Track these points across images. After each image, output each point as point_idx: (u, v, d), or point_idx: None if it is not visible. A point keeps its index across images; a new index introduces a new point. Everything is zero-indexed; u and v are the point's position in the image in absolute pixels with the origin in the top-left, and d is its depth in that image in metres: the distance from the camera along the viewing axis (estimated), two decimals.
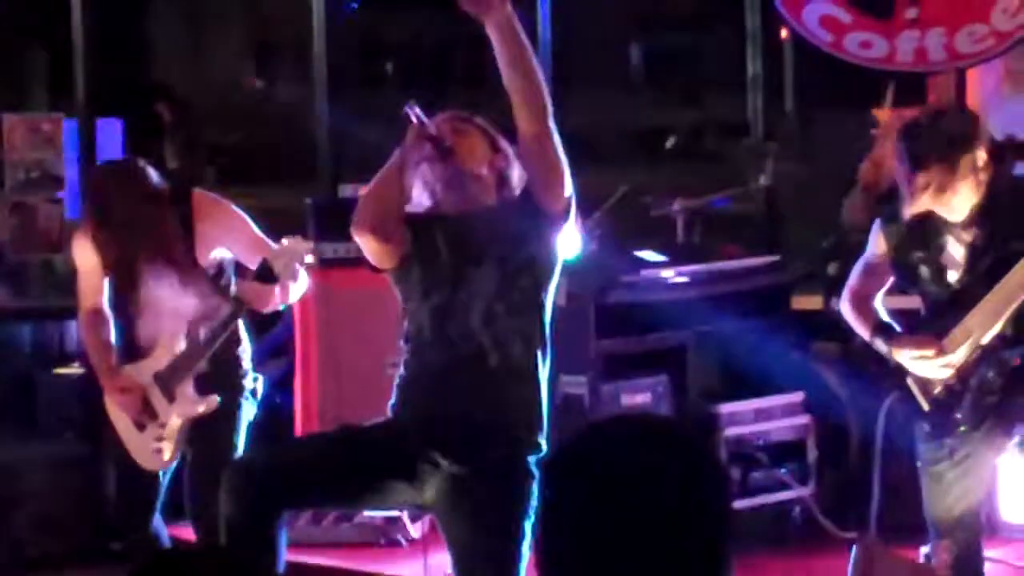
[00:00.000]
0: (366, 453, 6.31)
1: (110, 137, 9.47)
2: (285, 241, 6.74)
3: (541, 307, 6.15)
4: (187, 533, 7.26)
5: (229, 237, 6.87)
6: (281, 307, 7.03)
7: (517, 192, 6.16)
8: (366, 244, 6.17)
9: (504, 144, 6.22)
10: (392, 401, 6.32)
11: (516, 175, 6.17)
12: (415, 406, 6.25)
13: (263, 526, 6.21)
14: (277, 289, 6.74)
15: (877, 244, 6.79)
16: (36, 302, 9.13)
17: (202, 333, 6.83)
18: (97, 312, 6.97)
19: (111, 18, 10.64)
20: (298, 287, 6.90)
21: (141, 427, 6.89)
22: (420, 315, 6.27)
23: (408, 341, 6.28)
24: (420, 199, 6.20)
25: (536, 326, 6.18)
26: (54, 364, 9.62)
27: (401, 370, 6.30)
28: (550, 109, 5.97)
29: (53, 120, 9.46)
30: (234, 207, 7.01)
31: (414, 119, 6.02)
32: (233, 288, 6.81)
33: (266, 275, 6.70)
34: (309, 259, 6.83)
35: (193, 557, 2.69)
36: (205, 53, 16.07)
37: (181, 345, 6.81)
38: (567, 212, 6.07)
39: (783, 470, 8.51)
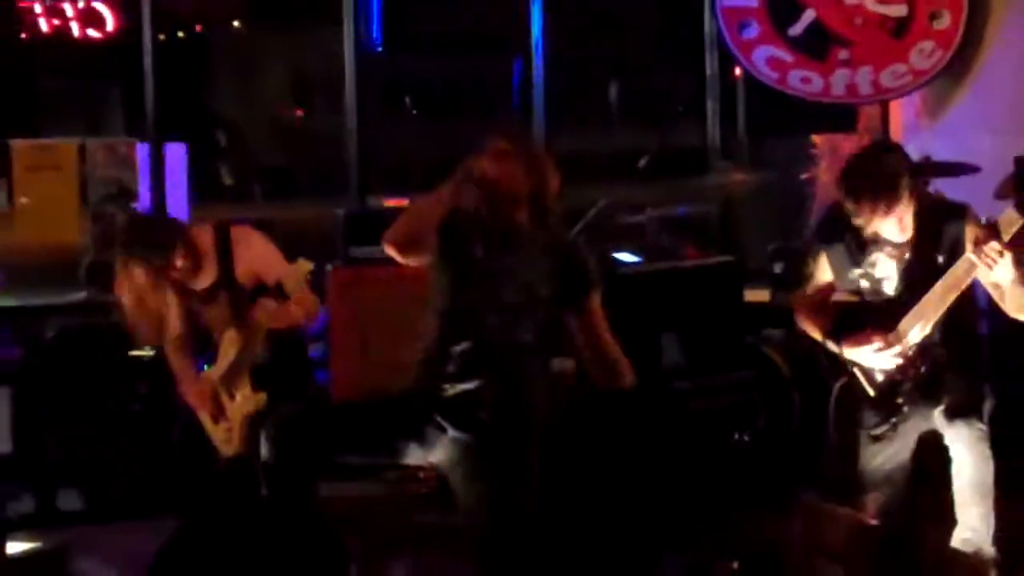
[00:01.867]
0: (384, 417, 6.35)
1: (176, 158, 9.46)
2: (295, 265, 6.78)
3: (551, 307, 6.17)
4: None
5: (258, 257, 6.88)
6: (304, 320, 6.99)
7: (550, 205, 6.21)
8: (391, 254, 6.20)
9: (540, 164, 6.23)
10: (414, 374, 6.28)
11: (553, 188, 6.20)
12: (430, 378, 6.27)
13: (296, 470, 6.26)
14: (292, 307, 6.76)
15: (821, 267, 6.80)
16: (113, 296, 9.11)
17: (239, 343, 6.87)
18: (181, 336, 7.03)
19: (175, 59, 10.63)
20: (309, 308, 6.92)
21: (214, 418, 6.92)
22: (447, 306, 6.28)
23: (437, 325, 6.25)
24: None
25: (546, 322, 6.20)
26: (128, 347, 9.63)
27: (425, 347, 6.29)
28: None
29: (128, 144, 9.47)
30: (261, 236, 7.04)
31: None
32: (259, 308, 6.81)
33: (280, 292, 6.74)
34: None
35: None
36: (253, 88, 16.03)
37: (231, 355, 6.84)
38: None
39: (736, 437, 8.51)
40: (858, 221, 6.46)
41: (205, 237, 6.87)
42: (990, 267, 6.28)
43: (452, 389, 6.13)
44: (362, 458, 8.01)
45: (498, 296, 6.21)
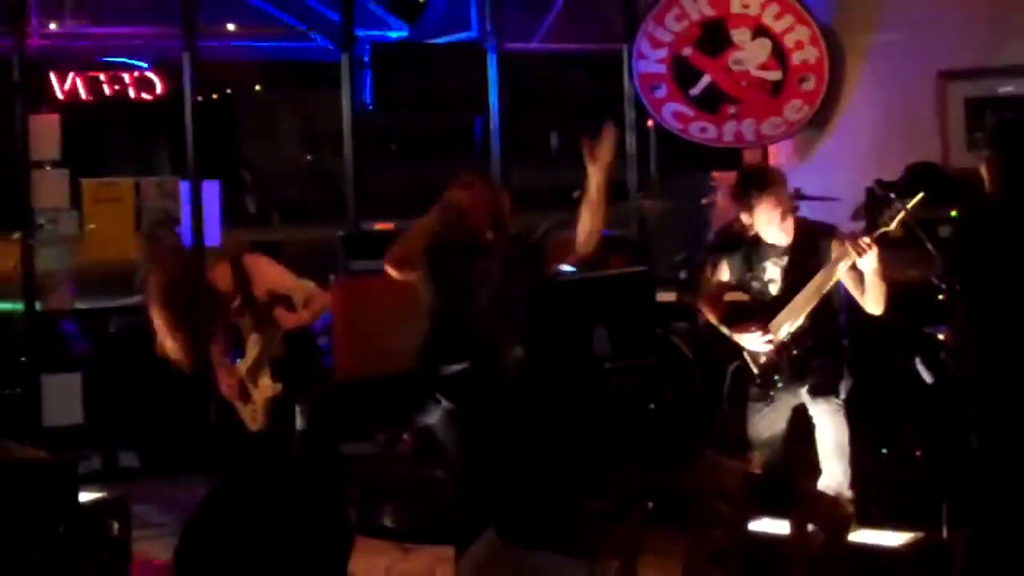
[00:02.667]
0: (396, 393, 6.48)
1: (211, 193, 9.43)
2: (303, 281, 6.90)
3: (518, 303, 6.34)
4: None
5: (268, 275, 6.87)
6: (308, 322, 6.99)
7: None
8: (391, 273, 6.32)
9: (498, 193, 6.51)
10: (415, 359, 6.42)
11: (506, 212, 6.42)
12: (428, 363, 6.31)
13: (330, 435, 6.39)
14: (302, 313, 6.83)
15: (721, 270, 6.85)
16: None
17: (259, 344, 6.86)
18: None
19: (210, 115, 10.61)
20: (318, 308, 6.95)
21: (243, 402, 6.91)
22: (437, 308, 6.40)
23: (430, 323, 6.42)
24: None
25: (513, 317, 6.28)
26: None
27: (422, 340, 6.42)
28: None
29: (173, 182, 9.42)
30: (268, 259, 7.06)
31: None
32: (276, 315, 6.83)
33: (289, 304, 6.78)
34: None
35: None
36: (271, 138, 16.01)
37: (255, 353, 6.84)
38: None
39: (650, 406, 8.52)
40: (749, 223, 6.54)
41: (224, 270, 6.88)
42: (860, 255, 6.33)
43: (445, 370, 6.28)
44: (377, 425, 8.09)
45: (475, 298, 6.33)
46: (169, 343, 6.61)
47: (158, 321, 6.61)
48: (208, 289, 6.77)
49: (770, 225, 6.56)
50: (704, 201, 9.67)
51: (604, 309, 8.77)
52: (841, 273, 6.49)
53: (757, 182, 6.65)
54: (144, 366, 9.32)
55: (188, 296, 6.62)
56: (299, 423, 6.43)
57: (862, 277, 6.50)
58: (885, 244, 7.30)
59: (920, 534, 5.86)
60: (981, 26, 8.81)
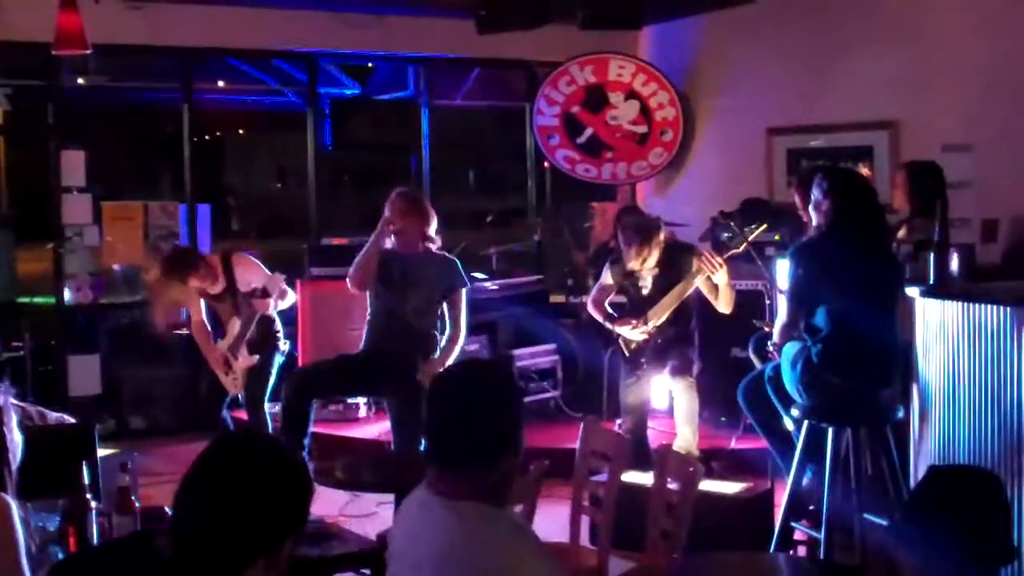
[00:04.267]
0: (351, 368, 6.41)
1: (203, 213, 9.33)
2: (272, 277, 6.79)
3: (440, 304, 6.36)
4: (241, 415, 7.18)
5: (249, 273, 6.81)
6: (280, 307, 6.90)
7: (437, 243, 6.43)
8: (353, 290, 6.39)
9: (429, 214, 6.43)
10: (362, 343, 6.45)
11: (433, 231, 6.41)
12: (372, 345, 6.28)
13: (303, 404, 6.31)
14: (271, 300, 6.73)
15: (606, 276, 6.90)
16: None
17: (239, 325, 6.77)
18: (201, 321, 6.94)
19: (204, 152, 10.49)
20: (290, 297, 6.92)
21: (225, 373, 6.82)
22: (378, 305, 6.34)
23: (370, 316, 6.41)
24: (389, 244, 6.37)
25: (437, 313, 6.27)
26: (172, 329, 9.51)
27: (366, 329, 6.41)
28: None
29: (173, 204, 9.32)
30: (251, 257, 6.98)
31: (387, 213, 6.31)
32: (253, 302, 6.75)
33: (264, 293, 6.69)
34: (282, 284, 6.82)
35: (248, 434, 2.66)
36: (251, 171, 15.86)
37: (235, 331, 6.76)
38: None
39: (545, 383, 8.53)
40: (627, 262, 6.58)
41: (216, 262, 6.82)
42: (714, 272, 6.42)
43: (389, 352, 6.27)
44: (341, 396, 8.04)
45: (409, 299, 6.29)
46: (159, 312, 7.00)
47: (154, 296, 6.94)
48: (186, 280, 6.72)
49: (640, 264, 6.67)
50: (586, 225, 9.71)
51: (509, 308, 8.80)
52: (699, 282, 6.55)
53: (641, 234, 6.68)
54: (149, 349, 9.25)
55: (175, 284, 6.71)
56: (283, 394, 6.37)
57: (715, 285, 6.57)
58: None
59: (750, 484, 5.91)
60: (798, 94, 8.92)
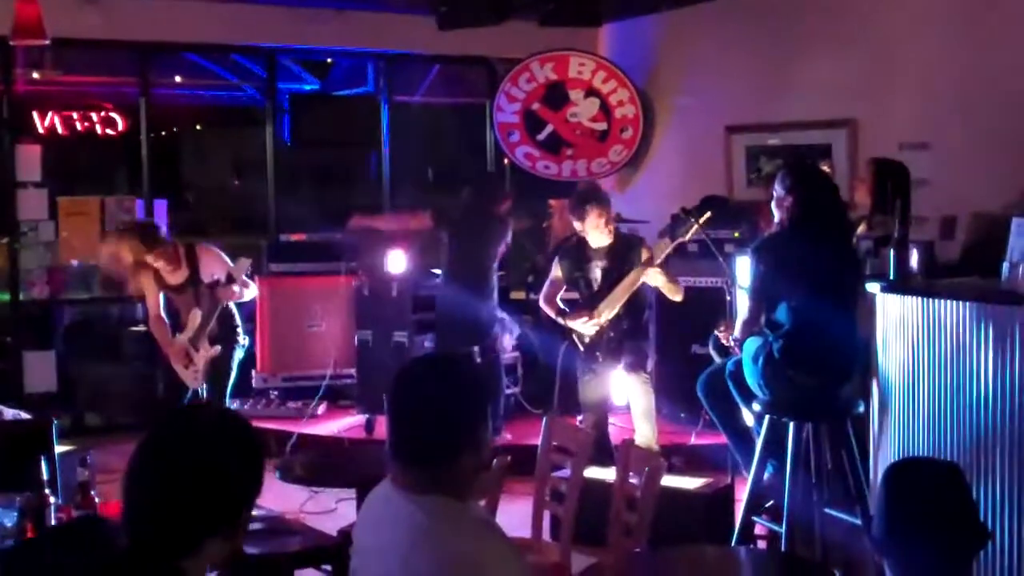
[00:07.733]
0: None
1: (160, 209, 9.27)
2: (238, 261, 6.74)
3: None
4: None
5: (214, 264, 6.75)
6: (244, 299, 6.88)
7: None
8: None
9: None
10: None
11: None
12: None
13: None
14: (235, 288, 6.66)
15: (555, 270, 6.87)
16: (120, 293, 8.85)
17: (201, 316, 6.71)
18: (158, 315, 6.85)
19: (161, 147, 10.42)
20: (251, 290, 6.88)
21: (186, 366, 6.76)
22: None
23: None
24: None
25: None
26: (129, 325, 9.43)
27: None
28: None
29: (130, 199, 9.25)
30: (215, 249, 6.89)
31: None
32: (217, 291, 6.69)
33: (229, 280, 6.64)
34: (248, 270, 6.81)
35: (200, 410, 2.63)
36: (209, 166, 15.72)
37: (197, 322, 6.70)
38: None
39: (507, 379, 8.51)
40: (590, 231, 6.55)
41: (179, 251, 6.76)
42: (648, 275, 6.43)
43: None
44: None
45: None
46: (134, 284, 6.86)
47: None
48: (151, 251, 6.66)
49: (595, 230, 6.60)
50: (544, 224, 9.70)
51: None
52: (649, 276, 6.54)
53: (588, 197, 6.70)
54: (105, 345, 9.15)
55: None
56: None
57: (667, 275, 6.56)
58: (687, 255, 7.37)
59: (711, 479, 5.91)
60: (757, 93, 8.96)
